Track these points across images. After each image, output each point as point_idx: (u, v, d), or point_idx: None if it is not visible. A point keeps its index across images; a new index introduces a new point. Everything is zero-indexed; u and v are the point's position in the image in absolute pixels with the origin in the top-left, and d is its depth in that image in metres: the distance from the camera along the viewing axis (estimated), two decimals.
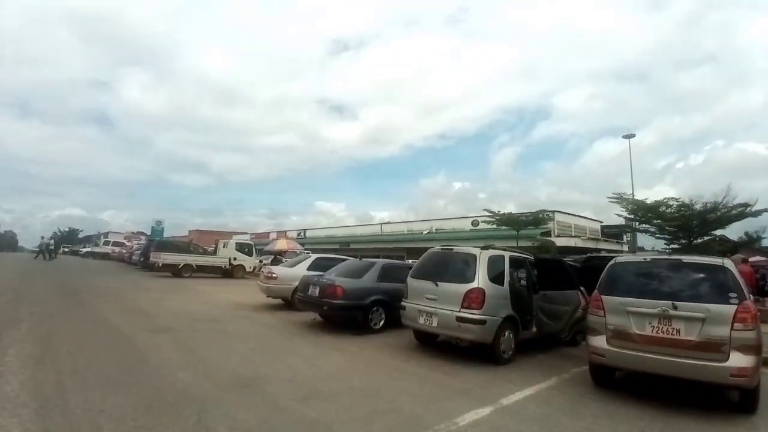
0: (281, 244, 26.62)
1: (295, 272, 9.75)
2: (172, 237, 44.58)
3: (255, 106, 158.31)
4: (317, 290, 7.39)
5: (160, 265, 18.10)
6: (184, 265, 18.82)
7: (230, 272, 20.52)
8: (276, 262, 26.57)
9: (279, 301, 10.19)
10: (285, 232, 56.44)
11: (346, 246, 48.34)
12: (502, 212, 19.60)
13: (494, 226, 38.05)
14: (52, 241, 28.72)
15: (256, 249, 24.19)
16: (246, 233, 57.27)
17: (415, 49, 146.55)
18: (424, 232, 43.98)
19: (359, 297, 7.29)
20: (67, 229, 76.15)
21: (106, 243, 35.52)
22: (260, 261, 25.25)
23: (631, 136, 27.33)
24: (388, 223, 51.18)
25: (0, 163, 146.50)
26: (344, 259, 10.13)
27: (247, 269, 21.43)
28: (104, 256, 32.73)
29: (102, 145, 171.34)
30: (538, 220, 18.69)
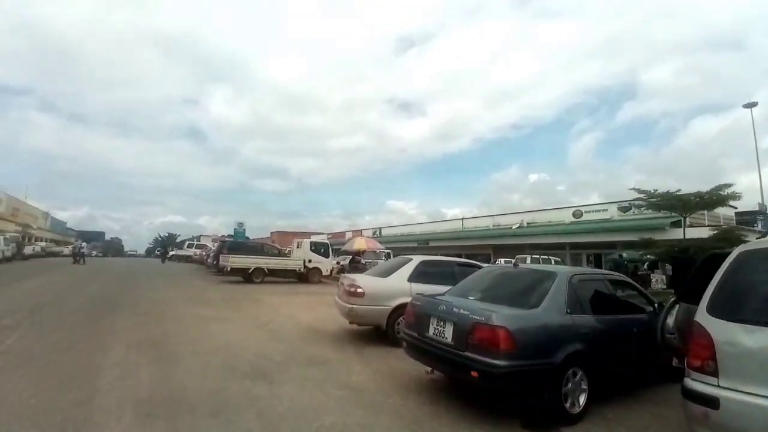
0: (359, 243, 23.67)
1: (390, 286, 6.18)
2: (255, 238, 44.64)
3: (326, 111, 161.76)
4: (450, 331, 3.66)
5: (228, 269, 15.96)
6: (255, 269, 16.50)
7: (305, 276, 17.89)
8: (354, 263, 23.73)
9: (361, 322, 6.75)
10: (360, 231, 54.29)
11: (425, 244, 44.40)
12: (659, 191, 14.02)
13: (605, 218, 31.88)
14: (84, 245, 29.79)
15: (332, 249, 21.49)
16: (323, 233, 56.17)
17: (482, 36, 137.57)
18: (514, 227, 38.46)
19: (543, 350, 3.43)
20: (166, 234, 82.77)
21: (190, 246, 35.94)
22: (337, 263, 22.62)
23: (754, 104, 22.29)
24: (471, 218, 46.45)
25: (105, 177, 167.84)
26: (469, 265, 6.38)
27: (324, 272, 18.68)
28: (187, 259, 32.97)
29: (194, 156, 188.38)
30: (719, 199, 12.93)
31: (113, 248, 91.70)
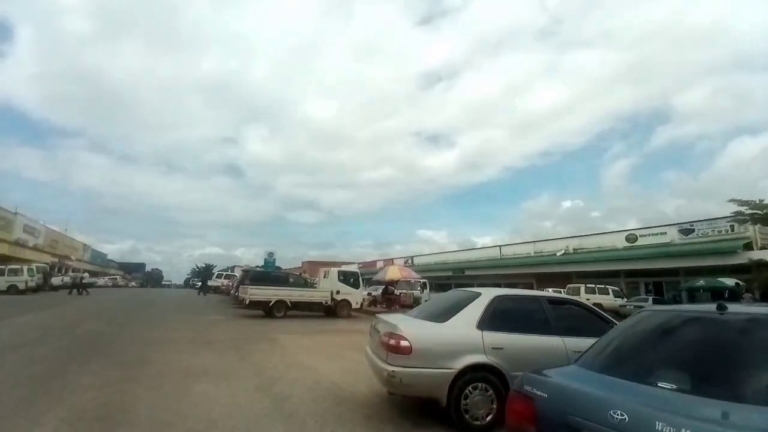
0: (393, 272, 21.47)
1: (452, 336, 4.01)
2: (287, 269, 43.26)
3: (356, 146, 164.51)
4: None
5: (247, 302, 14.19)
6: (276, 301, 14.65)
7: (333, 310, 15.88)
8: (386, 294, 21.51)
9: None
10: (392, 260, 51.91)
11: (460, 273, 41.47)
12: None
13: (664, 242, 28.23)
14: (86, 275, 29.58)
15: (363, 279, 19.46)
16: (354, 263, 54.08)
17: (508, 67, 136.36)
18: (558, 254, 35.18)
19: None
20: (203, 265, 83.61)
21: (219, 276, 34.92)
22: (369, 294, 20.52)
23: None
24: (509, 244, 43.31)
25: (152, 213, 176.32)
26: (563, 302, 4.19)
27: (354, 305, 16.58)
28: (216, 290, 31.89)
29: (232, 192, 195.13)
30: None
31: (152, 279, 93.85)
